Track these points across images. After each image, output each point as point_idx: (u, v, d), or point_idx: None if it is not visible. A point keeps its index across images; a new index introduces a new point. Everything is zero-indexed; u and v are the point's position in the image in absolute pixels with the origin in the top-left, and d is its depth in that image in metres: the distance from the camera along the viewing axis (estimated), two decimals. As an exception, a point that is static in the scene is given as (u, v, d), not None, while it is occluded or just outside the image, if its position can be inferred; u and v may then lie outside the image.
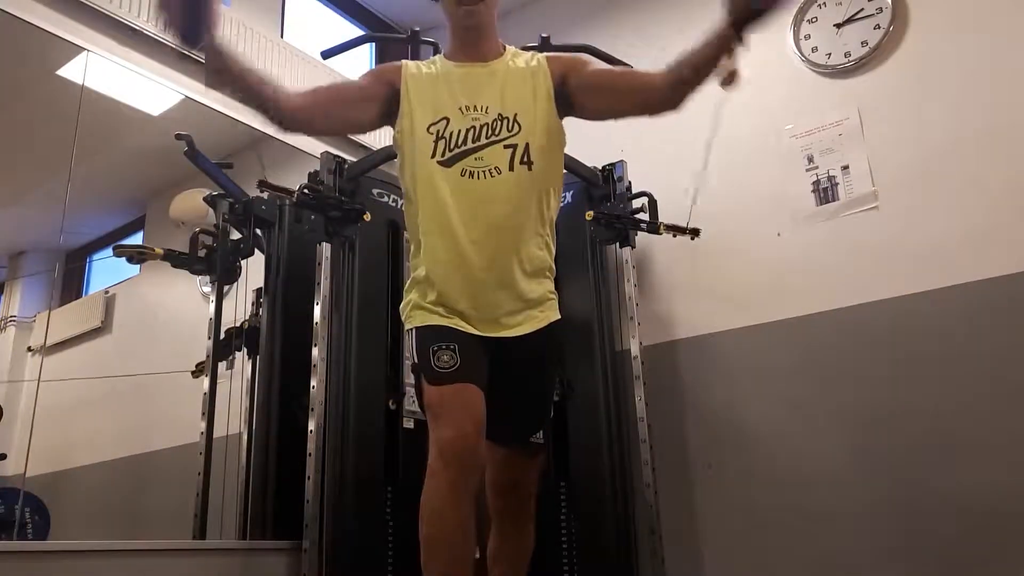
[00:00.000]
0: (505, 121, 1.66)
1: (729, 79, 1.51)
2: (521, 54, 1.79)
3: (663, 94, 1.62)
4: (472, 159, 1.64)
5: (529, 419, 1.79)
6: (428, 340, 1.59)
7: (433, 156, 1.65)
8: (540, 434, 1.83)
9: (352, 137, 3.45)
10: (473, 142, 1.65)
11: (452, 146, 1.65)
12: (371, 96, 1.72)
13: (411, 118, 1.70)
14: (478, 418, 1.52)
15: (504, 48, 1.78)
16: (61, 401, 3.21)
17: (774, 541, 2.54)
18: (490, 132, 1.65)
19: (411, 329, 1.66)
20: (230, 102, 3.01)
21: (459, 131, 1.65)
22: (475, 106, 1.68)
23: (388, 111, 1.73)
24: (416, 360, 1.62)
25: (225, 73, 1.49)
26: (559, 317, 1.74)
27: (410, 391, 2.66)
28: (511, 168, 1.64)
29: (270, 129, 1.67)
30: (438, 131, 1.66)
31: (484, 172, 1.63)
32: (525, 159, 1.65)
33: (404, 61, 1.79)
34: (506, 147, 1.65)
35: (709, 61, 1.51)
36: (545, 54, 1.79)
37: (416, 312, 1.65)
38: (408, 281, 1.73)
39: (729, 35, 1.46)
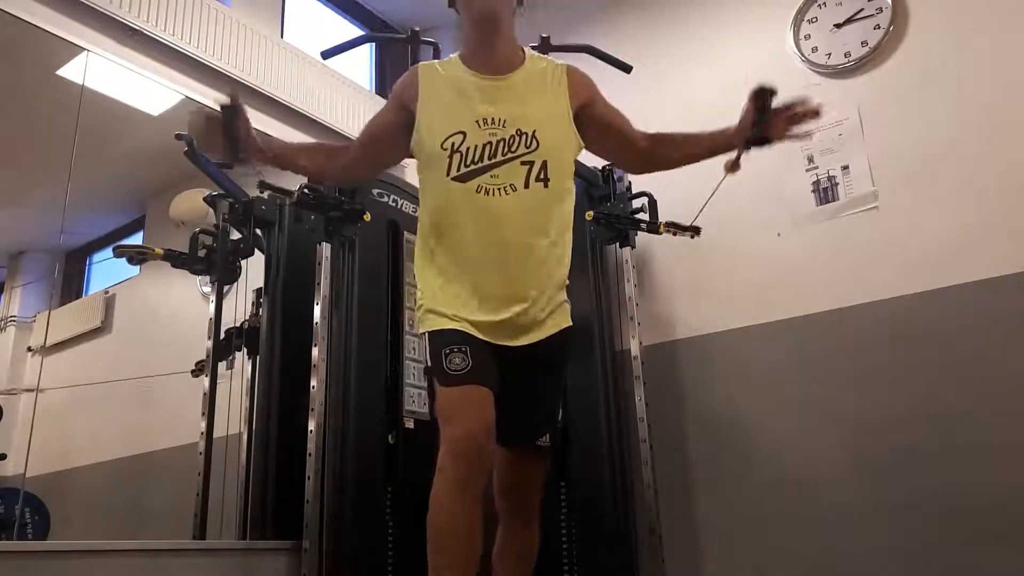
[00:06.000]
0: (524, 137, 1.63)
1: (732, 167, 1.69)
2: (541, 61, 1.76)
3: (641, 159, 1.81)
4: (488, 176, 1.62)
5: (536, 423, 1.79)
6: (440, 343, 1.60)
7: (448, 172, 1.63)
8: (546, 438, 1.84)
9: (352, 137, 3.45)
10: (489, 159, 1.62)
11: (468, 162, 1.63)
12: (397, 128, 1.74)
13: (427, 128, 1.68)
14: (488, 418, 1.53)
15: (523, 53, 1.75)
16: (61, 401, 3.21)
17: (774, 541, 2.55)
18: (507, 149, 1.63)
19: (423, 333, 1.67)
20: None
21: (475, 146, 1.63)
22: (492, 119, 1.64)
23: (411, 130, 1.73)
24: (428, 363, 1.63)
25: (283, 166, 1.73)
26: (570, 324, 1.73)
27: (410, 391, 2.66)
28: (527, 186, 1.62)
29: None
30: (453, 144, 1.63)
31: (500, 190, 1.62)
32: (542, 176, 1.63)
33: (420, 66, 1.76)
34: (523, 163, 1.63)
35: (704, 156, 1.75)
36: (565, 65, 1.77)
37: (428, 316, 1.66)
38: (418, 284, 1.73)
39: (737, 152, 1.68)
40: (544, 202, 1.65)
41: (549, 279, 1.67)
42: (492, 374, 1.59)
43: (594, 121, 1.75)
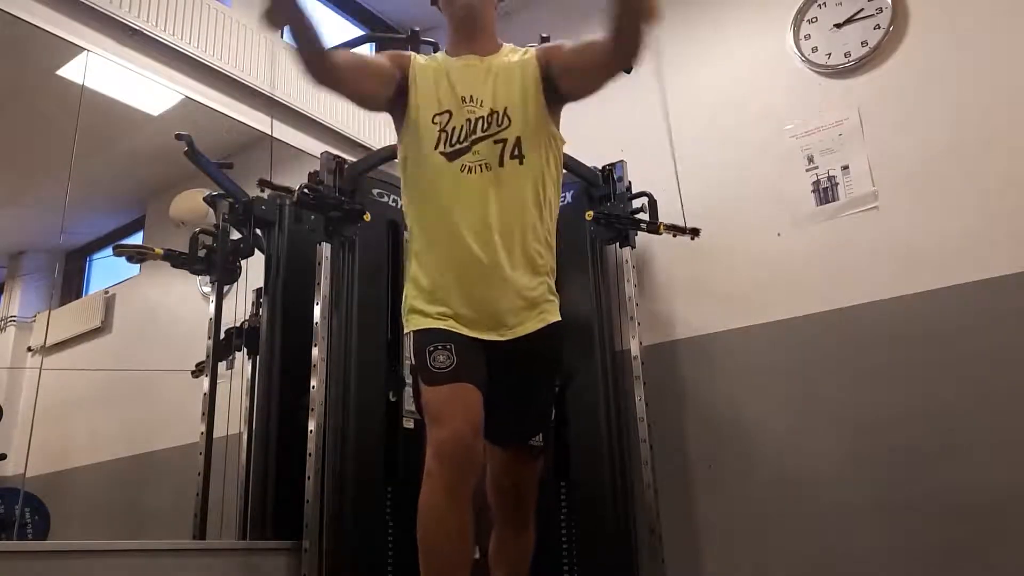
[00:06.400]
0: (496, 115, 1.66)
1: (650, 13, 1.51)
2: (517, 50, 1.79)
3: (612, 47, 1.61)
4: (470, 155, 1.64)
5: (528, 422, 1.78)
6: (424, 341, 1.59)
7: (436, 147, 1.66)
8: (540, 437, 1.82)
9: (352, 137, 3.45)
10: (469, 137, 1.65)
11: (453, 140, 1.65)
12: (389, 76, 1.70)
13: (417, 110, 1.70)
14: (475, 418, 1.51)
15: (501, 45, 1.78)
16: (61, 401, 3.22)
17: (774, 541, 2.54)
18: (484, 126, 1.66)
19: (409, 332, 1.66)
20: (230, 102, 3.06)
21: (459, 125, 1.66)
22: (471, 97, 1.68)
23: (397, 95, 1.71)
24: (413, 361, 1.62)
25: (286, 12, 1.46)
26: (559, 319, 1.72)
27: (410, 391, 2.66)
28: (501, 164, 1.64)
29: (304, 78, 1.59)
30: (441, 123, 1.67)
31: (478, 167, 1.64)
32: (516, 153, 1.65)
33: (411, 53, 1.80)
34: (496, 142, 1.65)
35: (621, 8, 1.54)
36: (536, 45, 1.78)
37: (413, 315, 1.65)
38: (407, 276, 1.73)
39: None
40: (521, 180, 1.66)
41: (531, 260, 1.66)
42: (479, 372, 1.57)
43: (561, 66, 1.67)
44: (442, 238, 1.65)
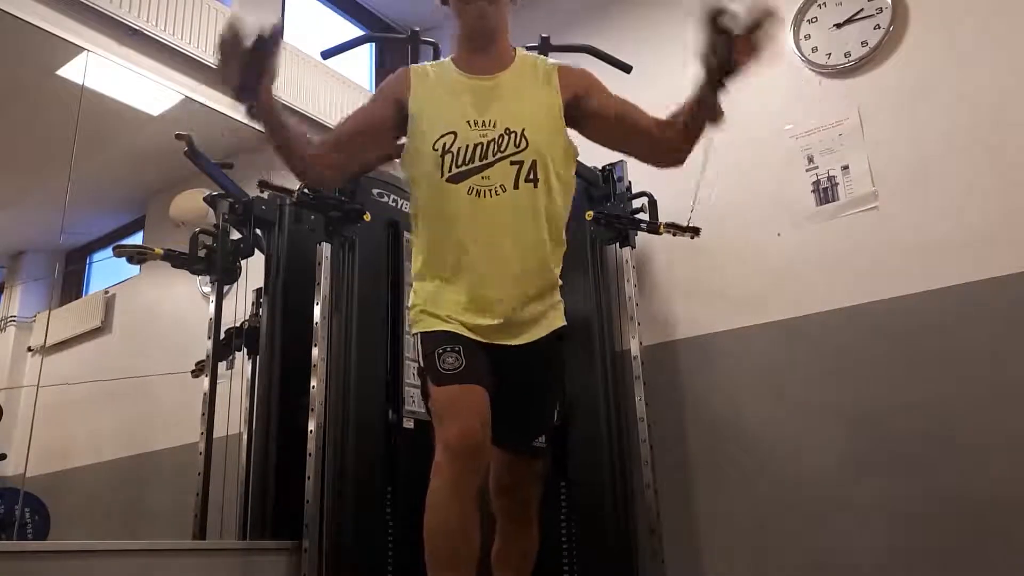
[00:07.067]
0: (512, 136, 1.62)
1: (715, 116, 1.56)
2: (530, 59, 1.75)
3: (657, 148, 1.68)
4: (479, 177, 1.61)
5: (531, 424, 1.78)
6: (433, 343, 1.59)
7: (441, 174, 1.62)
8: (543, 438, 1.83)
9: (352, 137, 3.45)
10: (480, 159, 1.61)
11: (459, 162, 1.61)
12: (384, 124, 1.71)
13: (419, 127, 1.67)
14: (484, 417, 1.51)
15: (514, 53, 1.74)
16: (61, 401, 3.21)
17: (774, 541, 2.55)
18: (496, 149, 1.62)
19: (417, 333, 1.66)
20: (230, 102, 3.05)
21: (466, 147, 1.62)
22: (483, 121, 1.63)
23: (402, 129, 1.70)
24: (422, 363, 1.62)
25: (268, 125, 1.62)
26: (564, 323, 1.73)
27: (410, 391, 2.66)
28: (516, 186, 1.61)
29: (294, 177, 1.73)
30: (444, 145, 1.62)
31: (490, 191, 1.61)
32: (531, 176, 1.62)
33: (411, 67, 1.76)
34: (512, 163, 1.62)
35: (700, 119, 1.58)
36: (556, 63, 1.75)
37: (422, 317, 1.65)
38: (413, 286, 1.73)
39: (707, 94, 1.54)
40: (535, 202, 1.64)
41: (542, 279, 1.67)
42: (486, 374, 1.58)
43: (593, 112, 1.69)
44: (452, 255, 1.64)
